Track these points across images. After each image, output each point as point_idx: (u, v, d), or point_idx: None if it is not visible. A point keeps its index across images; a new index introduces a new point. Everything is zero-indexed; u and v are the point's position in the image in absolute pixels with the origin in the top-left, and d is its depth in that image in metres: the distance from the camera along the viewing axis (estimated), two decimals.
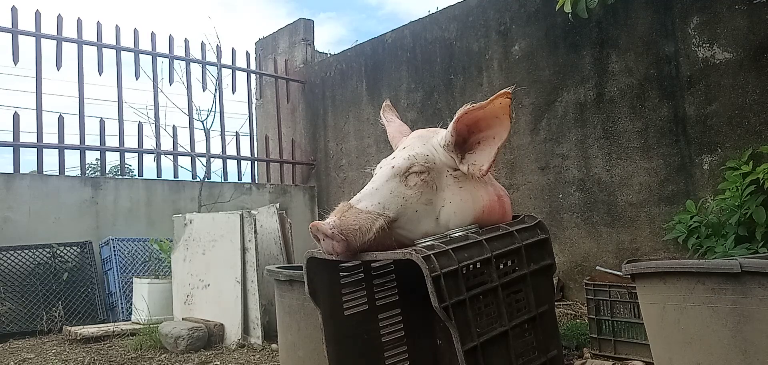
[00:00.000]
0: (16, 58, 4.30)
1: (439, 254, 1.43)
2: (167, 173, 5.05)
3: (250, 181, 5.65)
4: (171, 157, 5.01)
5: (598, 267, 2.90)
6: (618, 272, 2.46)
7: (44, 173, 4.38)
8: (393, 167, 1.66)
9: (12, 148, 4.22)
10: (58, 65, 4.47)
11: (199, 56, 5.33)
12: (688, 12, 3.43)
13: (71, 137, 4.56)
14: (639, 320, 2.33)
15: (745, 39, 3.21)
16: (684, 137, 3.43)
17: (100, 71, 4.81)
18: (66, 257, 4.06)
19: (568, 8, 3.39)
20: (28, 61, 4.36)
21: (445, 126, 1.73)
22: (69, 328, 3.52)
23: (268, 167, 6.09)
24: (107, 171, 4.97)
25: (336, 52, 5.99)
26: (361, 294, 1.88)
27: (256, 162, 5.90)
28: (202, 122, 5.17)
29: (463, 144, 1.68)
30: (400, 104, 5.01)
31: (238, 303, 3.25)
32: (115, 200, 4.50)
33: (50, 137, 4.46)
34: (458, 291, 1.42)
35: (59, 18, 4.51)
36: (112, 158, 4.97)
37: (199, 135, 5.19)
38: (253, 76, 6.08)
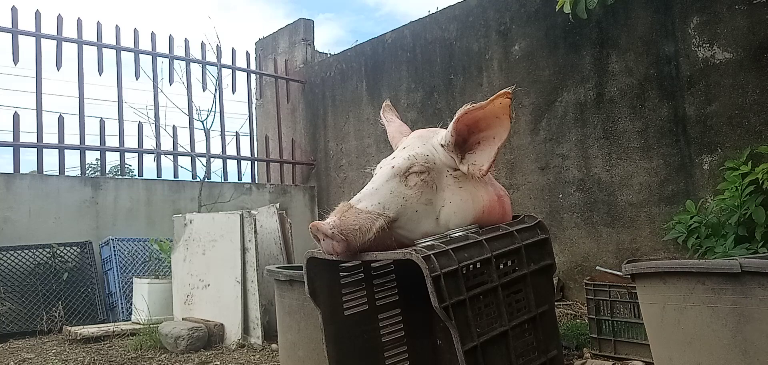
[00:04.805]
0: (16, 58, 4.29)
1: (439, 254, 1.43)
2: (167, 173, 5.06)
3: (250, 181, 5.65)
4: (171, 157, 5.01)
5: (598, 267, 2.90)
6: (618, 273, 2.46)
7: (44, 173, 4.38)
8: (393, 167, 1.66)
9: (12, 148, 4.21)
10: (58, 65, 4.47)
11: (199, 56, 5.33)
12: (688, 12, 3.44)
13: (71, 137, 4.57)
14: (639, 320, 2.33)
15: (745, 39, 3.21)
16: (684, 137, 3.43)
17: (100, 71, 4.81)
18: (66, 257, 4.06)
19: (567, 8, 3.39)
20: (28, 61, 4.37)
21: (445, 126, 1.73)
22: (69, 328, 3.52)
23: (268, 167, 6.09)
24: (107, 171, 4.97)
25: (336, 53, 5.99)
26: (361, 294, 1.88)
27: (256, 162, 5.90)
28: (202, 122, 5.18)
29: (463, 144, 1.68)
30: (400, 104, 5.01)
31: (238, 303, 3.25)
32: (115, 200, 4.50)
33: (50, 137, 4.46)
34: (458, 290, 1.42)
35: (59, 18, 4.51)
36: (112, 158, 4.97)
37: (199, 135, 5.19)
38: (253, 76, 6.08)
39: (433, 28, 4.89)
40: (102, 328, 3.51)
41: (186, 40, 5.26)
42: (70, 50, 4.54)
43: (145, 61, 4.99)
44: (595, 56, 3.82)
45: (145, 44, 4.99)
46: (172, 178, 5.01)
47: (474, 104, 1.59)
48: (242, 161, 5.55)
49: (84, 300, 3.98)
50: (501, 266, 1.56)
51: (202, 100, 11.61)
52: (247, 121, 5.88)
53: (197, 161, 5.12)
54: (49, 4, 5.80)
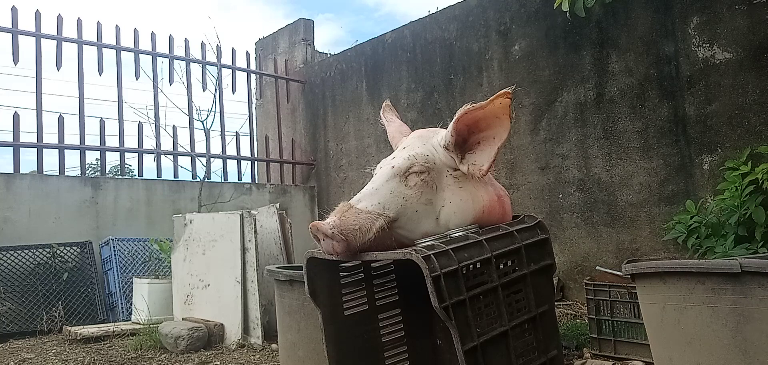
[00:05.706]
0: (16, 58, 4.29)
1: (439, 254, 1.43)
2: (167, 173, 5.06)
3: (250, 181, 5.65)
4: (171, 157, 5.01)
5: (598, 267, 2.90)
6: (618, 273, 2.46)
7: (44, 173, 4.38)
8: (393, 167, 1.66)
9: (12, 148, 4.21)
10: (58, 65, 4.47)
11: (199, 56, 5.33)
12: (688, 12, 3.43)
13: (71, 137, 4.57)
14: (639, 320, 2.33)
15: (745, 39, 3.21)
16: (684, 137, 3.43)
17: (100, 71, 4.82)
18: (66, 257, 4.06)
19: (565, 7, 3.39)
20: (28, 61, 4.37)
21: (445, 126, 1.73)
22: (69, 328, 3.52)
23: (268, 167, 6.09)
24: (107, 171, 4.97)
25: (336, 53, 5.99)
26: (361, 294, 1.88)
27: (256, 162, 5.90)
28: (202, 122, 5.18)
29: (463, 144, 1.68)
30: (400, 104, 5.01)
31: (238, 303, 3.25)
32: (115, 200, 4.50)
33: (50, 137, 4.46)
34: (458, 291, 1.42)
35: (59, 18, 4.51)
36: (112, 158, 4.98)
37: (199, 135, 5.19)
38: (253, 76, 6.08)
39: (433, 28, 4.89)
40: (102, 328, 3.51)
41: (186, 40, 5.27)
42: (70, 50, 4.55)
43: (145, 61, 4.99)
44: (595, 56, 3.82)
45: (145, 44, 4.99)
46: (172, 178, 5.01)
47: (474, 104, 1.59)
48: (242, 161, 5.55)
49: (84, 300, 3.98)
50: (501, 267, 1.56)
51: (202, 100, 11.61)
52: (247, 121, 5.88)
53: (197, 161, 5.12)
54: (49, 4, 5.80)
